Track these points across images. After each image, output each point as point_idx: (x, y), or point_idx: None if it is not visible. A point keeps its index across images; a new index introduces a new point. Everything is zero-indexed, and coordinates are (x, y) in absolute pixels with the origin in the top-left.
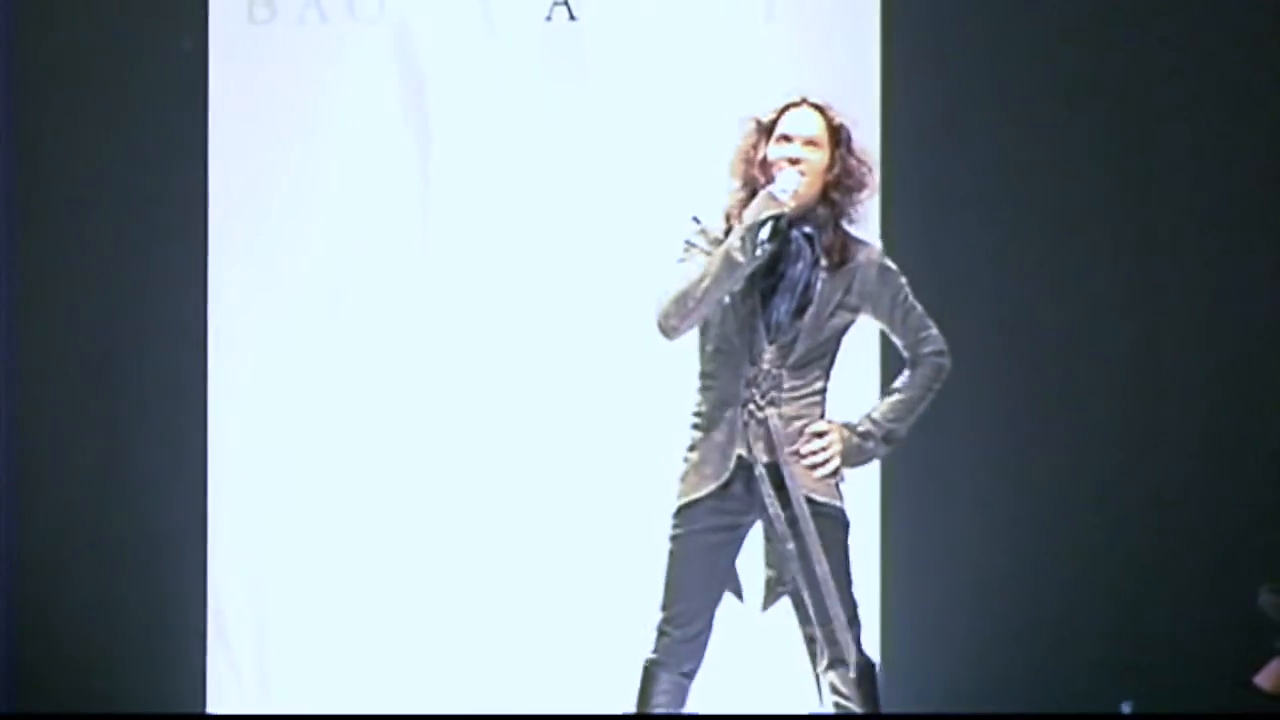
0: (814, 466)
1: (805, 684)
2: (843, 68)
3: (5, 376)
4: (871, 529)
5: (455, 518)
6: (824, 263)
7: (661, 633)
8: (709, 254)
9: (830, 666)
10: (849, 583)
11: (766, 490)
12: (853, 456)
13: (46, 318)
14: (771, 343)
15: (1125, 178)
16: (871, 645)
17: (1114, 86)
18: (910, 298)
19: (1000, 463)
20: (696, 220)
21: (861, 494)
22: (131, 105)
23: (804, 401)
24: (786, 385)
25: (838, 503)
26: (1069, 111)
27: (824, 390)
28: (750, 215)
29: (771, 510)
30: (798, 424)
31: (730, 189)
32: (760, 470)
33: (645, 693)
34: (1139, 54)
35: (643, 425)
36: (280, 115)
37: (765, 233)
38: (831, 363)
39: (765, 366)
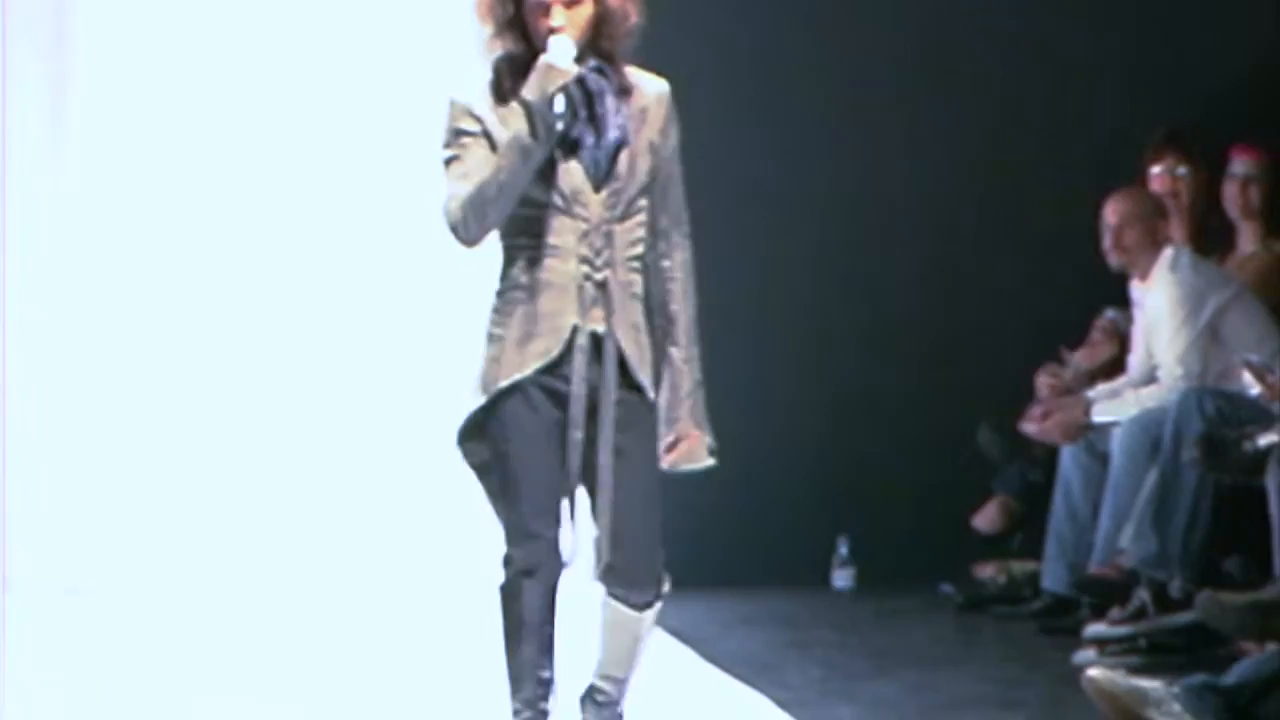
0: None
1: None
2: None
3: None
4: None
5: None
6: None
7: (520, 537)
8: (487, 138)
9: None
10: (657, 486)
11: (580, 365)
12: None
13: None
14: (598, 190)
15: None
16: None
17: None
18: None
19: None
20: (453, 102)
21: None
22: None
23: (633, 264)
24: (618, 243)
25: (652, 394)
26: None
27: (643, 256)
28: (533, 92)
29: (577, 389)
30: (629, 290)
31: (483, 37)
32: (584, 341)
33: (512, 610)
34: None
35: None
36: None
37: (559, 105)
38: (645, 223)
39: (595, 221)
